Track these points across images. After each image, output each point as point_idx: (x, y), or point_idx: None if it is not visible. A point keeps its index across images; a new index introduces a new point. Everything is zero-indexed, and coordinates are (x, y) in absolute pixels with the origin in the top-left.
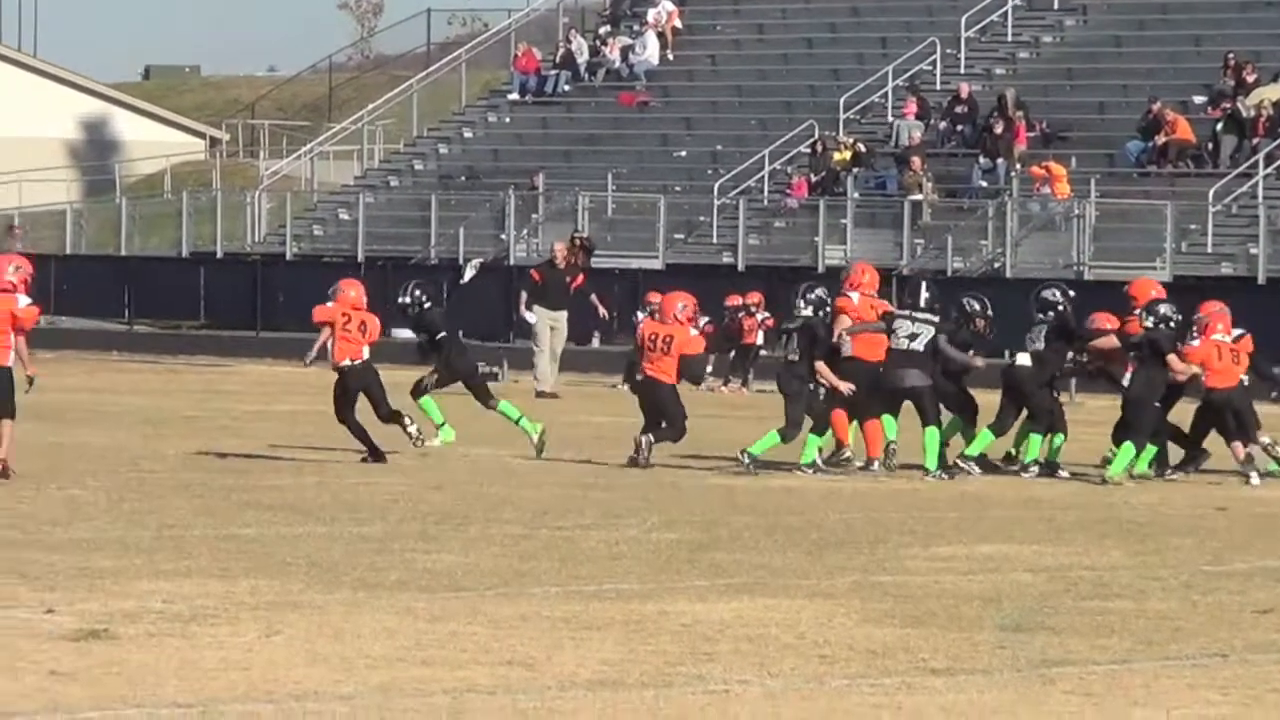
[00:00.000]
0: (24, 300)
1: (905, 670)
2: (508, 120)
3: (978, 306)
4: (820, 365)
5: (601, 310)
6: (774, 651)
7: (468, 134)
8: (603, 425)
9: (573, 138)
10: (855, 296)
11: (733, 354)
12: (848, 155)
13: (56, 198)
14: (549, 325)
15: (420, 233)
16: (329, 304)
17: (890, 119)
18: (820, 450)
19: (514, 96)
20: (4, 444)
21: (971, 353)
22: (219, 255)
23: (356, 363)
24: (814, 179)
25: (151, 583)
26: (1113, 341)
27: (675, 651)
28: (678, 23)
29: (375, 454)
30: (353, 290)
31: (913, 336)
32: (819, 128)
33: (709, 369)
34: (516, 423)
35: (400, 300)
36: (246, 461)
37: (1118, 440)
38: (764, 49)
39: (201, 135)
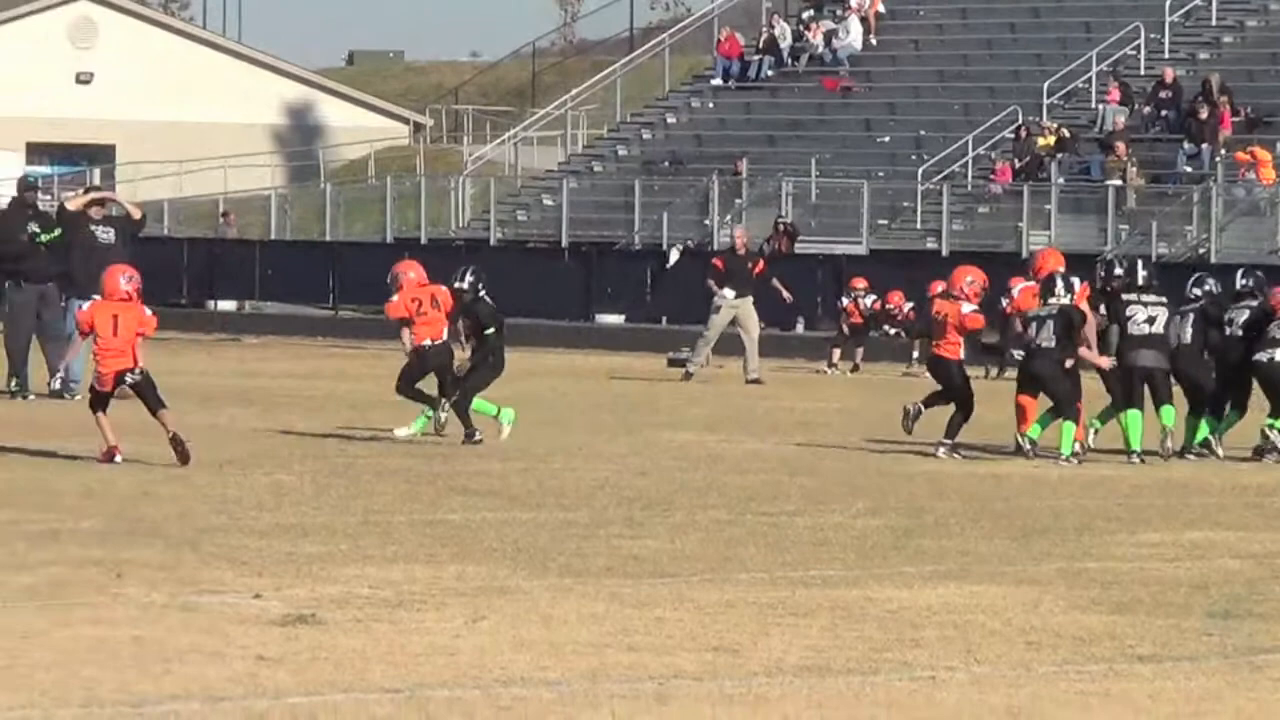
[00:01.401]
0: (146, 311)
1: (1112, 657)
2: (711, 105)
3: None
4: (1083, 349)
5: (785, 294)
6: (980, 638)
7: (671, 119)
8: (807, 411)
9: (776, 123)
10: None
11: None
12: (1051, 140)
13: (261, 183)
14: (731, 311)
15: (624, 218)
16: (394, 298)
17: (1094, 104)
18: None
19: (717, 82)
20: (169, 426)
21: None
22: (423, 241)
23: (437, 342)
24: (1017, 164)
25: (358, 568)
26: None
27: (881, 638)
28: (880, 7)
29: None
30: (411, 272)
31: (1151, 320)
32: (1022, 113)
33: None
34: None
35: (455, 285)
36: (451, 447)
37: None
38: (966, 34)
39: (405, 120)
